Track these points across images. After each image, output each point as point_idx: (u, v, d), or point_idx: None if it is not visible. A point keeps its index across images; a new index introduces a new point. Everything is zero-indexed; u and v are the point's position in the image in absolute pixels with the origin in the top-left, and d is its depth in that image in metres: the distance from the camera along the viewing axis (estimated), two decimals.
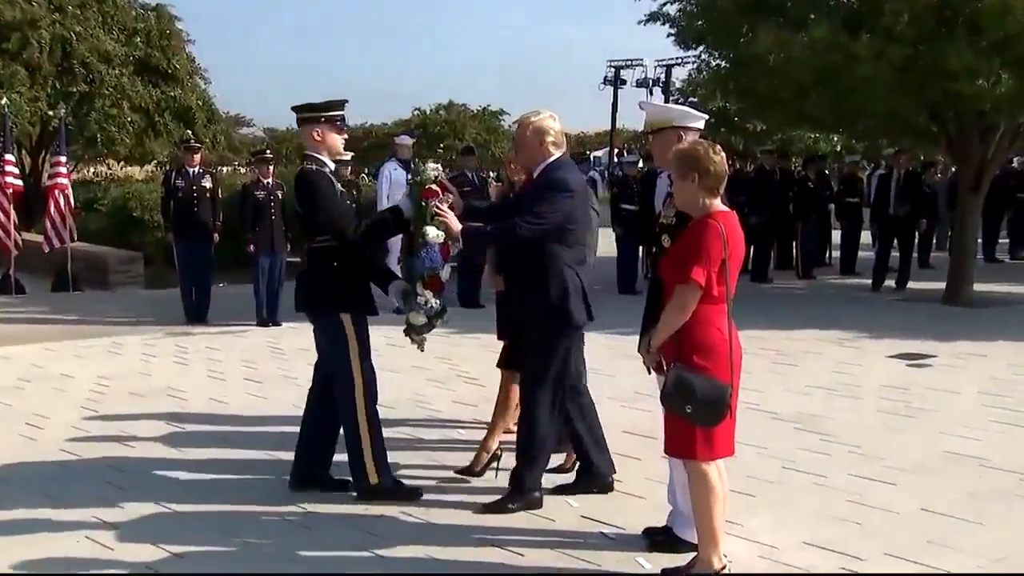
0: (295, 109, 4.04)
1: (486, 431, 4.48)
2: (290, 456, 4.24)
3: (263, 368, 6.77)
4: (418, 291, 3.96)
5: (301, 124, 4.06)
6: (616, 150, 32.22)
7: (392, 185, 9.52)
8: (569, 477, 4.22)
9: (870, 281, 10.77)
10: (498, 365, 4.49)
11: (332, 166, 4.06)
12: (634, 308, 3.89)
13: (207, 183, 8.85)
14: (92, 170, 25.88)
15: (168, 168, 12.36)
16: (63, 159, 11.76)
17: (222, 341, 7.83)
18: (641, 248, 10.73)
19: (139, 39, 18.14)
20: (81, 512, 3.86)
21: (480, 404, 5.69)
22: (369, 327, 4.03)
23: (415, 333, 4.01)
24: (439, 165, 4.09)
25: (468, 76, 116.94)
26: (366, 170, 27.23)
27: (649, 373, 3.45)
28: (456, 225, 3.85)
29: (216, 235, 8.80)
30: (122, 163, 25.31)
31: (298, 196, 4.01)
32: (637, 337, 3.51)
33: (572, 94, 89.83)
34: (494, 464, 4.33)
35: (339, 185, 4.07)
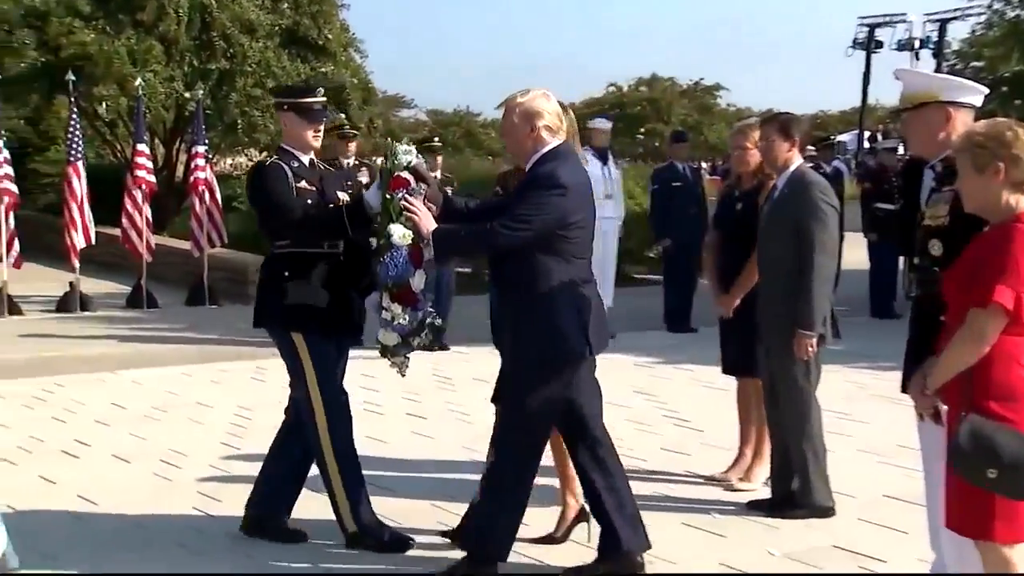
0: (270, 91, 4.46)
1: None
2: (458, 507, 4.44)
3: (428, 401, 7.07)
4: (383, 304, 4.05)
5: (275, 109, 4.51)
6: (867, 133, 30.94)
7: None
8: (567, 553, 4.19)
9: None
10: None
11: (305, 160, 4.35)
12: (891, 335, 3.80)
13: (363, 177, 9.37)
14: (230, 161, 27.88)
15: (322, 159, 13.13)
16: (202, 149, 12.78)
17: (379, 367, 8.18)
18: (901, 259, 10.32)
19: (286, 5, 19.46)
20: (220, 565, 4.19)
21: (695, 453, 5.69)
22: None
23: (390, 355, 4.10)
24: (413, 148, 4.17)
25: (676, 44, 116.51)
26: None
27: (921, 420, 3.35)
28: (427, 224, 3.88)
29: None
30: (264, 153, 27.22)
31: (247, 191, 4.43)
32: (899, 373, 3.42)
33: (810, 63, 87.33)
34: (579, 524, 4.35)
35: (306, 182, 4.27)
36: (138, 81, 13.67)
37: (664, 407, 6.84)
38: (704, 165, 26.97)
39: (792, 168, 4.71)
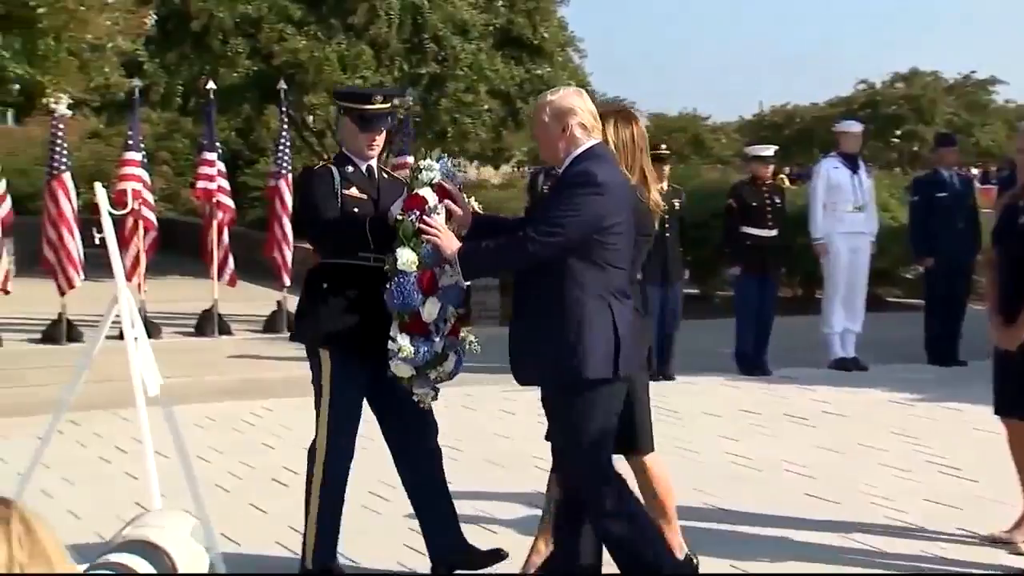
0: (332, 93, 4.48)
1: None
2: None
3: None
4: (391, 334, 4.03)
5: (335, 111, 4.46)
6: None
7: (831, 189, 9.43)
8: None
9: None
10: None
11: (363, 167, 4.38)
12: None
13: None
14: None
15: (533, 170, 13.33)
16: (410, 159, 13.24)
17: None
18: None
19: (500, 3, 19.92)
20: None
21: (968, 507, 5.42)
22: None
23: (411, 388, 4.13)
24: (439, 164, 4.11)
25: (943, 32, 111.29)
26: (787, 170, 27.13)
27: None
28: (449, 245, 3.88)
29: None
30: (475, 162, 27.93)
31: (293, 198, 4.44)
32: None
33: None
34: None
35: (357, 189, 4.30)
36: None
37: (927, 451, 6.56)
38: (975, 172, 25.59)
39: None
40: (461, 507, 5.43)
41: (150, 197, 10.69)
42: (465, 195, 4.22)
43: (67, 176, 9.96)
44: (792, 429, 7.35)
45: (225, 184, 11.23)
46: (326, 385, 4.32)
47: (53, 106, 10.08)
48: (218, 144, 11.65)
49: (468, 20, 18.95)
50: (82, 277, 10.00)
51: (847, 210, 9.39)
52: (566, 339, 3.75)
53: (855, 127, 9.93)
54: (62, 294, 9.92)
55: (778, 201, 9.28)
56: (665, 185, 9.01)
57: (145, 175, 10.59)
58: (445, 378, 4.25)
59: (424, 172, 4.09)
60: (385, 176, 4.56)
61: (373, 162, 4.49)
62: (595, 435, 3.86)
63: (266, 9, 17.47)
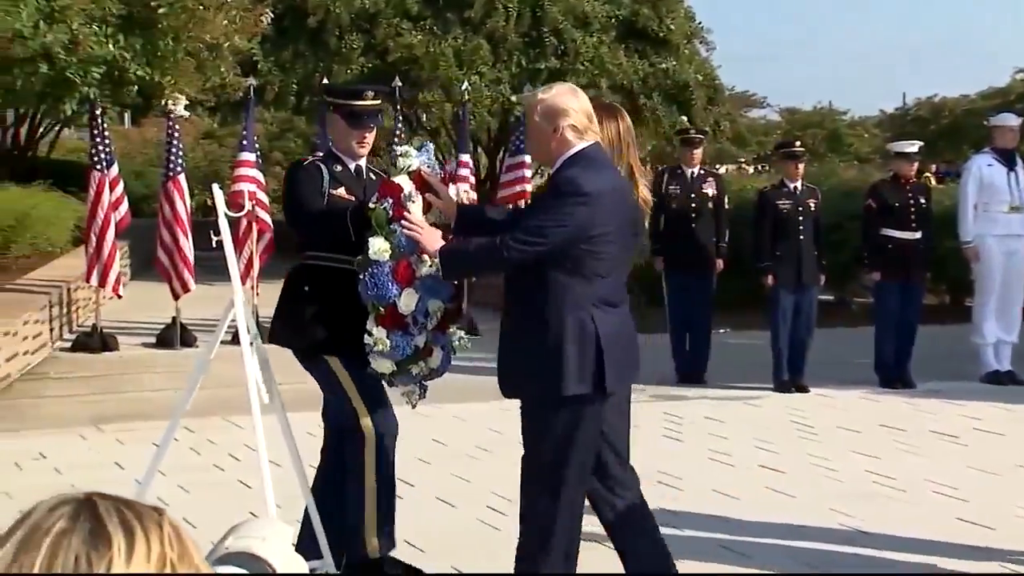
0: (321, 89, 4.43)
1: None
2: None
3: (785, 452, 6.95)
4: (367, 327, 3.99)
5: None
6: None
7: (984, 188, 9.16)
8: None
9: None
10: None
11: (352, 166, 4.36)
12: None
13: (709, 189, 9.39)
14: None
15: (659, 169, 13.26)
16: (527, 159, 13.29)
17: (727, 410, 8.20)
18: None
19: None
20: None
21: None
22: None
23: (395, 384, 4.14)
24: (418, 151, 4.06)
25: None
26: (933, 167, 26.36)
27: None
28: (431, 241, 3.89)
29: (720, 262, 9.29)
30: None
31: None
32: None
33: None
34: None
35: (344, 190, 4.28)
36: (464, 85, 14.40)
37: None
38: None
39: None
40: (583, 522, 5.43)
41: (265, 199, 10.93)
42: (467, 187, 4.30)
43: (182, 178, 10.27)
44: (939, 447, 7.15)
45: None
46: (344, 380, 4.32)
47: (171, 107, 10.40)
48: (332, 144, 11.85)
49: (590, 12, 18.91)
50: (196, 280, 10.30)
51: (1002, 211, 9.10)
52: (547, 354, 3.74)
53: (1012, 121, 9.59)
54: (176, 298, 10.23)
55: (923, 201, 9.04)
56: (799, 184, 8.89)
57: (260, 176, 10.84)
58: (432, 375, 4.25)
59: (401, 159, 4.11)
60: (373, 176, 4.57)
61: (362, 161, 4.52)
62: (572, 455, 3.83)
63: (383, 4, 17.73)
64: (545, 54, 18.59)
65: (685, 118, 18.57)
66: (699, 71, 20.35)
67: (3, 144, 16.47)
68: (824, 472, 6.48)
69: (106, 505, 1.18)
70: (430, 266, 4.02)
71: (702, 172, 9.50)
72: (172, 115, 10.46)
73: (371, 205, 4.06)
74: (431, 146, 4.34)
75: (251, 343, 4.03)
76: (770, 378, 8.84)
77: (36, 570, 1.12)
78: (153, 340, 10.55)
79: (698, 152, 9.51)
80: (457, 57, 17.76)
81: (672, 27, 19.63)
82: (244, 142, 10.85)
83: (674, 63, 19.61)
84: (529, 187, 12.72)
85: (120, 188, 10.40)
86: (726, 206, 9.48)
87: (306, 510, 4.33)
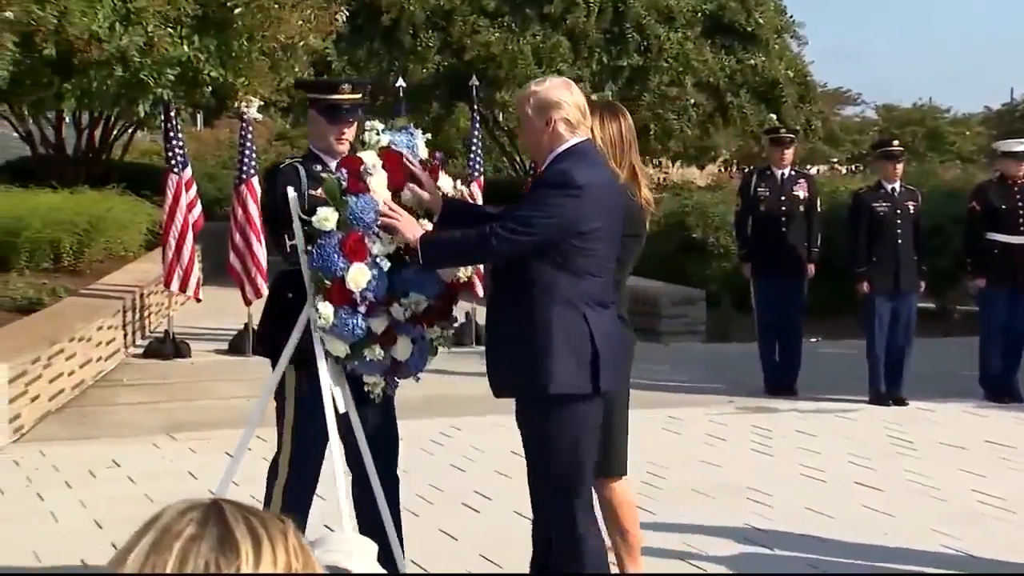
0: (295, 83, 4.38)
1: None
2: None
3: (882, 469, 6.86)
4: (311, 301, 3.92)
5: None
6: None
7: None
8: None
9: None
10: None
11: (332, 166, 4.25)
12: None
13: (800, 191, 9.29)
14: None
15: (747, 170, 13.18)
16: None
17: (819, 423, 8.12)
18: None
19: None
20: None
21: None
22: None
23: (351, 370, 4.07)
24: (416, 133, 4.07)
25: None
26: None
27: None
28: (409, 228, 3.87)
29: (811, 267, 9.19)
30: (677, 162, 27.82)
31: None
32: None
33: None
34: None
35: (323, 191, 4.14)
36: None
37: None
38: None
39: None
40: (666, 540, 5.43)
41: None
42: (459, 182, 4.28)
43: (256, 180, 10.42)
44: None
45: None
46: (289, 401, 4.35)
47: (244, 109, 10.56)
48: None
49: (674, 6, 18.86)
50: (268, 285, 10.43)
51: None
52: (535, 351, 3.78)
53: None
54: (247, 303, 10.36)
55: None
56: (898, 185, 8.77)
57: None
58: (402, 371, 4.16)
59: (367, 134, 4.08)
60: None
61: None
62: (569, 455, 3.87)
63: (459, 0, 17.84)
64: (627, 51, 18.58)
65: (774, 116, 18.40)
66: (790, 67, 20.21)
67: (78, 147, 16.87)
68: (925, 491, 6.39)
69: (233, 511, 1.24)
70: (389, 243, 3.97)
71: (793, 173, 9.41)
72: (245, 116, 10.62)
73: (323, 175, 4.06)
74: (417, 132, 4.26)
75: (325, 352, 4.07)
76: (865, 390, 8.73)
77: (168, 570, 1.18)
78: (225, 347, 10.71)
79: (789, 152, 9.43)
80: (536, 55, 17.81)
81: (761, 21, 19.51)
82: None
83: (763, 59, 19.49)
84: None
85: (194, 190, 10.58)
86: (818, 208, 9.38)
87: (382, 523, 4.35)
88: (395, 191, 4.04)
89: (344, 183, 3.93)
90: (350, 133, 4.42)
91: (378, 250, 3.96)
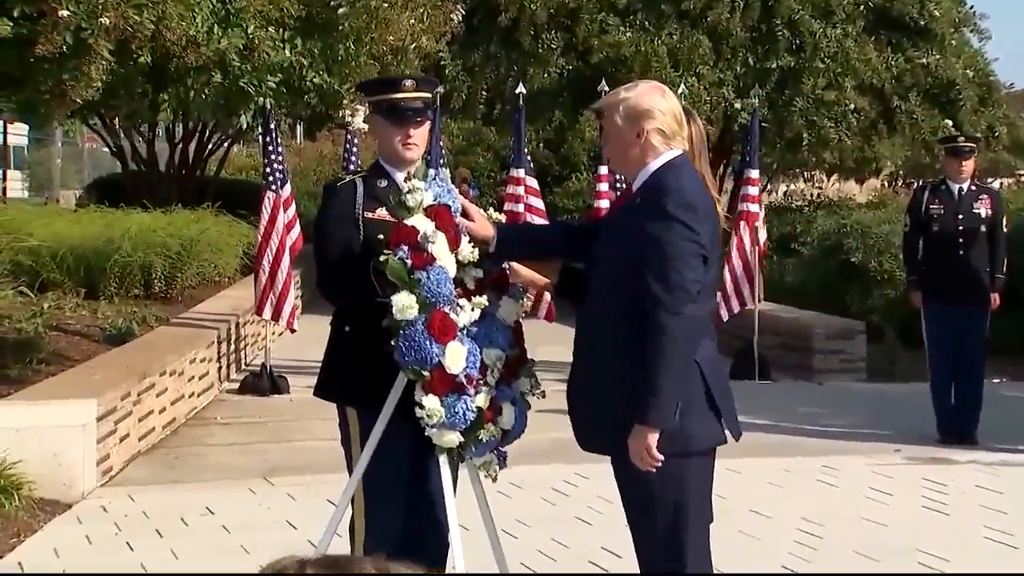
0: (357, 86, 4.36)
1: None
2: None
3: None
4: (416, 398, 3.95)
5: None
6: None
7: None
8: None
9: None
10: None
11: (399, 178, 4.21)
12: None
13: (981, 208, 9.09)
14: (784, 189, 28.40)
15: (918, 185, 12.95)
16: (755, 173, 13.18)
17: (1005, 477, 7.93)
18: None
19: None
20: None
21: None
22: None
23: (467, 458, 4.11)
24: (427, 182, 4.00)
25: None
26: None
27: None
28: (485, 230, 4.07)
29: (995, 296, 8.99)
30: (833, 176, 27.39)
31: None
32: None
33: None
34: None
35: (387, 210, 4.14)
36: (680, 88, 14.42)
37: None
38: None
39: None
40: None
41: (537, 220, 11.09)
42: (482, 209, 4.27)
43: None
44: None
45: (538, 204, 11.53)
46: (355, 449, 4.31)
47: (349, 119, 10.73)
48: (528, 158, 12.02)
49: (833, 1, 18.63)
50: None
51: None
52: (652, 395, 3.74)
53: None
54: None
55: None
56: None
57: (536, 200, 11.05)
58: (508, 438, 4.18)
59: (409, 196, 4.03)
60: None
61: (414, 168, 4.35)
62: (682, 518, 3.88)
63: None
64: (777, 50, 18.41)
65: (950, 123, 18.03)
66: (969, 65, 19.81)
67: (171, 162, 17.32)
68: (1003, 550, 6.27)
69: None
70: (472, 309, 4.03)
71: (973, 188, 9.23)
72: (351, 127, 10.79)
73: (382, 257, 3.97)
74: (444, 171, 4.36)
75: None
76: None
77: None
78: None
79: (968, 163, 9.25)
80: (672, 56, 17.76)
81: (936, 13, 19.12)
82: (429, 157, 11.02)
83: (937, 57, 19.13)
84: (755, 206, 12.54)
85: (292, 210, 10.77)
86: (1003, 228, 9.18)
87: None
88: (454, 246, 4.10)
89: (408, 261, 3.93)
90: (418, 136, 4.33)
91: (464, 320, 4.04)
